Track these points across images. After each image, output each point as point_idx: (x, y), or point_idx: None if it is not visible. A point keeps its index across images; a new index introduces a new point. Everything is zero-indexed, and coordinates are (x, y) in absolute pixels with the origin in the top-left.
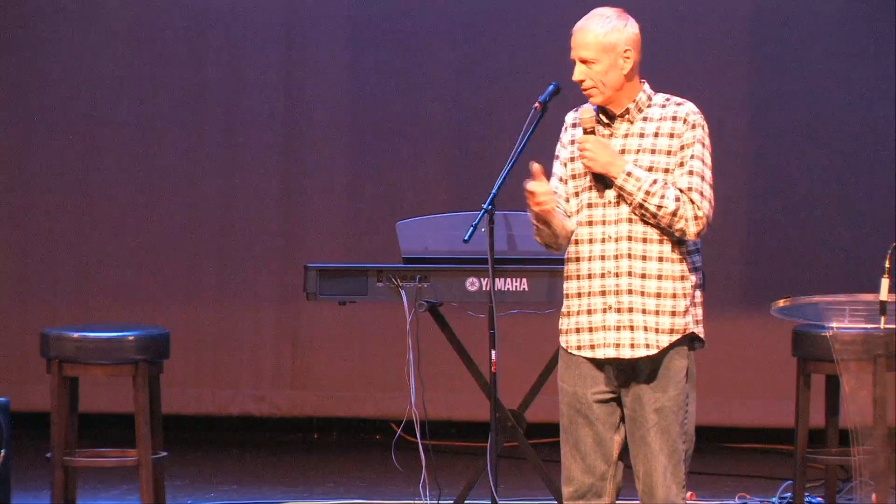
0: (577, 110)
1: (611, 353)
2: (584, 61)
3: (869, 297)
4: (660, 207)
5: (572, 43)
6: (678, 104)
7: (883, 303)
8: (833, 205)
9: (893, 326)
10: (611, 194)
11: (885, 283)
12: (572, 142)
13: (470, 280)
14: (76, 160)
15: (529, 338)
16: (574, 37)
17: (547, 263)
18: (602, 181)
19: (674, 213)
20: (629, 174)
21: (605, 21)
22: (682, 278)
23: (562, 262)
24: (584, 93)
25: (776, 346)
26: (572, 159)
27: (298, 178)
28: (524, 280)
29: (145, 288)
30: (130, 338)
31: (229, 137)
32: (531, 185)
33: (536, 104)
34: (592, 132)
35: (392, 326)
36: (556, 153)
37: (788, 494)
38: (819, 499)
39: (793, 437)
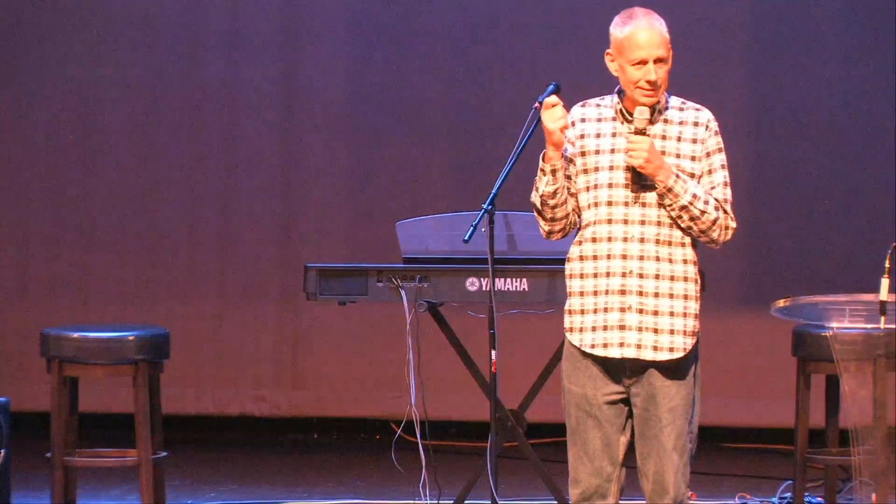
0: (583, 105)
1: (630, 353)
2: (659, 60)
3: (869, 297)
4: (703, 213)
5: (644, 43)
6: (697, 109)
7: (883, 303)
8: (833, 205)
9: (893, 326)
10: (635, 194)
11: (885, 283)
12: (581, 136)
13: (470, 280)
14: (76, 160)
15: (529, 338)
16: (644, 36)
17: (547, 263)
18: (624, 181)
19: (714, 221)
20: (678, 176)
21: (659, 19)
22: (696, 280)
23: (562, 262)
24: (650, 94)
25: (776, 346)
26: (583, 154)
27: (298, 178)
28: (524, 280)
29: (145, 288)
30: (130, 338)
31: (229, 137)
32: (551, 98)
33: (536, 104)
34: (643, 132)
35: (392, 326)
36: (563, 149)
37: (788, 494)
38: (819, 499)
39: (793, 437)
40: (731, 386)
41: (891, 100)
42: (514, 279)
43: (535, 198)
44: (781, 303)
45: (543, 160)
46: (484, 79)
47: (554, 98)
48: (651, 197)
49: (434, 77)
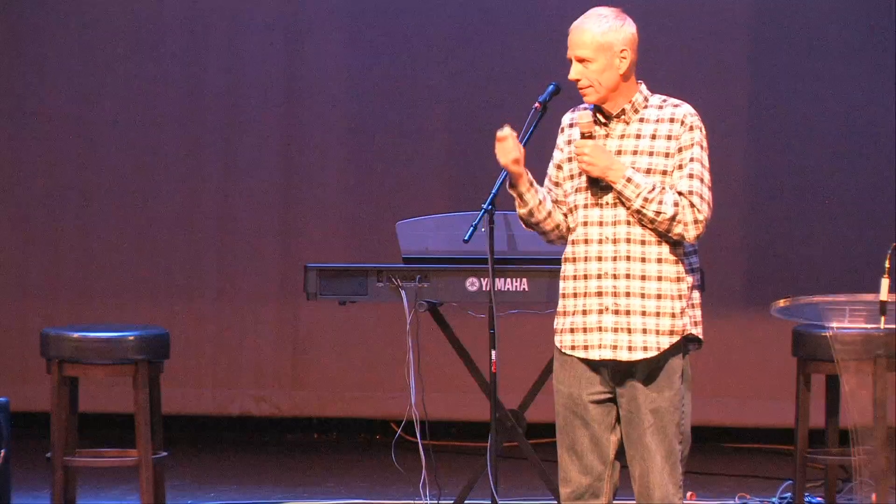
0: (573, 111)
1: (607, 354)
2: (580, 60)
3: (869, 297)
4: (658, 213)
5: (569, 42)
6: (675, 105)
7: (883, 303)
8: (833, 205)
9: (893, 326)
10: (608, 196)
11: (885, 283)
12: (569, 142)
13: (470, 280)
14: (76, 160)
15: (529, 338)
16: (571, 35)
17: (547, 263)
18: (599, 183)
19: (672, 219)
20: (629, 180)
21: (602, 20)
22: (679, 279)
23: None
24: (580, 91)
25: (776, 346)
26: (570, 160)
27: (298, 178)
28: (524, 280)
29: (145, 288)
30: (130, 338)
31: (229, 137)
32: (502, 131)
33: (536, 104)
34: (591, 136)
35: (392, 326)
36: (553, 155)
37: (788, 494)
38: (819, 499)
39: (793, 437)
40: (731, 386)
41: (891, 100)
42: (514, 279)
43: (520, 213)
44: (781, 303)
45: (508, 187)
46: (484, 78)
47: (506, 130)
48: None
49: (434, 77)
